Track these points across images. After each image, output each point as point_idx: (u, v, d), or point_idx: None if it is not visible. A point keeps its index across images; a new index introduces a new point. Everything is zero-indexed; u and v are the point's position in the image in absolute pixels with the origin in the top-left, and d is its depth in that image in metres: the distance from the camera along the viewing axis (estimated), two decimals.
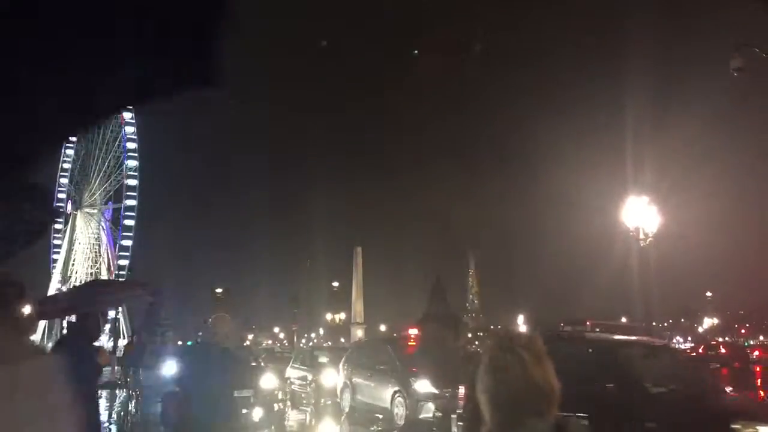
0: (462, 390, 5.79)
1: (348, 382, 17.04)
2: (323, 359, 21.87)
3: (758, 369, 42.13)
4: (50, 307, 7.00)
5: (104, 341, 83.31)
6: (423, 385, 12.59)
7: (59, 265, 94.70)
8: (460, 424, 6.32)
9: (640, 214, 20.35)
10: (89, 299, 7.09)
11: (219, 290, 65.14)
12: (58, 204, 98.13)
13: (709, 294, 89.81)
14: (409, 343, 16.88)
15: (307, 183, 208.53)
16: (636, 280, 22.41)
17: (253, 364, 20.68)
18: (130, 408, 17.88)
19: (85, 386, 5.46)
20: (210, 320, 6.17)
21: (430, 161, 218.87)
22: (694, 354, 59.15)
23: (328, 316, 75.94)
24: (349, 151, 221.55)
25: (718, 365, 43.87)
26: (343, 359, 18.13)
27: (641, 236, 20.18)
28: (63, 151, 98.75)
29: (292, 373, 21.86)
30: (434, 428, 9.60)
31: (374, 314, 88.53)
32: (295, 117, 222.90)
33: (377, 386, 15.83)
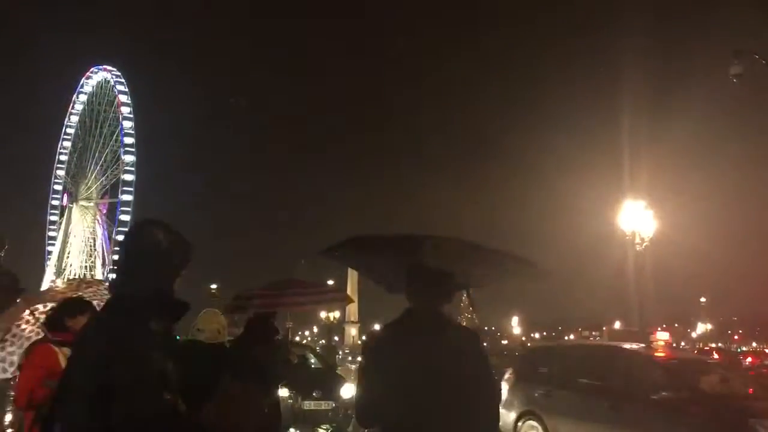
0: None
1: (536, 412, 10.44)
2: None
3: (751, 375, 42.23)
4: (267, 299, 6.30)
5: None
6: None
7: (54, 258, 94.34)
8: None
9: (637, 219, 20.38)
10: (288, 298, 6.50)
11: (213, 287, 65.02)
12: (53, 196, 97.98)
13: (702, 299, 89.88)
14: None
15: (303, 180, 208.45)
16: (632, 284, 22.47)
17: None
18: None
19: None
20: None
21: (427, 158, 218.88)
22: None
23: (323, 314, 75.83)
24: (347, 148, 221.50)
25: None
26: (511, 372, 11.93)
27: (637, 240, 20.21)
28: (60, 142, 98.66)
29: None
30: None
31: (368, 312, 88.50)
32: (287, 114, 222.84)
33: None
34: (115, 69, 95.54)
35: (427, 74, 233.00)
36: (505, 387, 11.36)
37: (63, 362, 4.06)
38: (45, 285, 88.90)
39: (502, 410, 8.70)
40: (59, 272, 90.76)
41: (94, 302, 4.64)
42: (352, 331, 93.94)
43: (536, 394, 10.66)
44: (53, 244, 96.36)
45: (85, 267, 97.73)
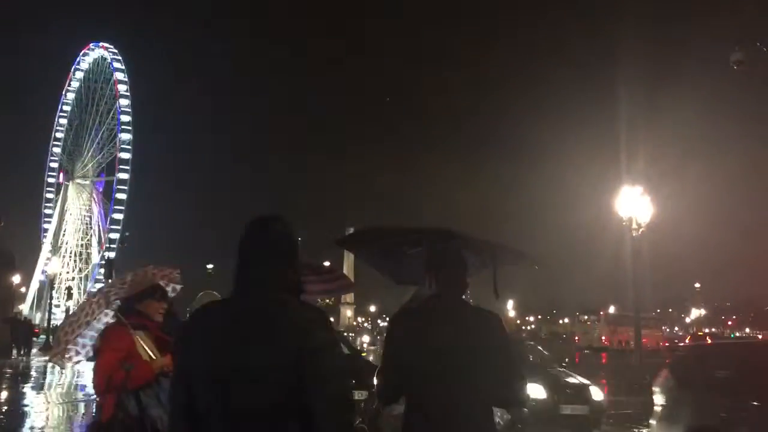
0: None
1: None
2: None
3: None
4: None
5: None
6: None
7: (50, 235, 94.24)
8: None
9: (634, 205, 20.42)
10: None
11: (210, 266, 65.09)
12: (49, 173, 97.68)
13: (697, 285, 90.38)
14: None
15: (301, 162, 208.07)
16: (627, 269, 22.52)
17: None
18: None
19: None
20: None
21: (425, 143, 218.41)
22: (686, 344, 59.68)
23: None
24: (344, 129, 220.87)
25: None
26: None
27: (634, 226, 20.26)
28: (56, 120, 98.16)
29: None
30: None
31: (364, 294, 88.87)
32: (287, 95, 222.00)
33: None
34: (112, 46, 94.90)
35: (424, 59, 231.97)
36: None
37: (137, 346, 4.12)
38: (41, 262, 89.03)
39: None
40: (55, 249, 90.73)
41: (168, 289, 4.65)
42: (348, 312, 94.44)
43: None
44: (49, 222, 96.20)
45: (81, 245, 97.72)
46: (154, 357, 4.18)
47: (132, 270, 4.57)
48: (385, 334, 3.47)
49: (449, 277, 3.25)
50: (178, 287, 4.86)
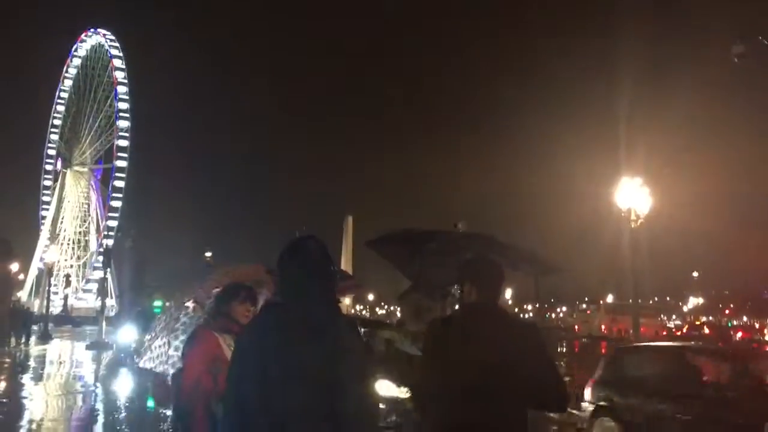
0: None
1: None
2: None
3: None
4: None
5: (92, 301, 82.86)
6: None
7: (47, 223, 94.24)
8: None
9: (633, 196, 20.37)
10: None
11: (208, 255, 65.07)
12: (47, 161, 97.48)
13: (695, 273, 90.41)
14: None
15: (299, 151, 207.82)
16: (626, 259, 22.49)
17: None
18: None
19: None
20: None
21: (421, 135, 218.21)
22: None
23: None
24: (344, 119, 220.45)
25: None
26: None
27: (633, 217, 20.21)
28: (54, 107, 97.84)
29: None
30: None
31: (361, 282, 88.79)
32: (287, 88, 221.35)
33: None
34: (109, 33, 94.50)
35: (421, 52, 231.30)
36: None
37: (225, 349, 4.07)
38: (39, 249, 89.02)
39: None
40: (53, 237, 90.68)
41: (261, 294, 4.57)
42: (347, 301, 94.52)
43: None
44: (47, 209, 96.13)
45: (79, 232, 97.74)
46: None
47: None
48: (423, 343, 3.51)
49: (490, 285, 3.31)
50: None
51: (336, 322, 2.62)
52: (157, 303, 40.10)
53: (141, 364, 4.62)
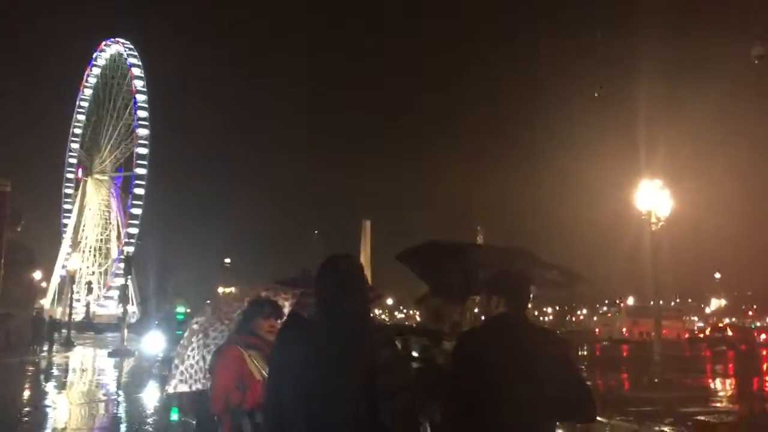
0: None
1: None
2: None
3: (766, 353, 42.04)
4: None
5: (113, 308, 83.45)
6: None
7: (69, 231, 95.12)
8: None
9: (653, 198, 20.22)
10: None
11: (227, 261, 65.43)
12: (68, 169, 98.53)
13: (717, 275, 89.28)
14: None
15: (317, 157, 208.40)
16: (647, 261, 22.28)
17: None
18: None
19: None
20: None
21: (441, 141, 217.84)
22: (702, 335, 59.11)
23: None
24: (361, 125, 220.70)
25: (724, 348, 43.88)
26: None
27: (653, 220, 20.06)
28: (74, 116, 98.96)
29: None
30: None
31: (382, 287, 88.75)
32: (307, 93, 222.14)
33: None
34: (128, 42, 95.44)
35: (441, 53, 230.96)
36: None
37: (250, 365, 4.12)
38: (61, 257, 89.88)
39: None
40: (75, 244, 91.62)
41: (285, 307, 4.56)
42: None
43: None
44: (69, 217, 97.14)
45: (101, 240, 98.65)
46: (266, 376, 4.14)
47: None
48: (453, 354, 3.58)
49: (518, 298, 3.36)
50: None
51: (369, 336, 2.69)
52: (180, 309, 40.30)
53: (171, 390, 4.61)
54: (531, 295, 3.49)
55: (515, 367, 3.06)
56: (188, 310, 38.98)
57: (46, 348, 33.24)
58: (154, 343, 23.90)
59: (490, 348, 3.17)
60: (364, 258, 65.21)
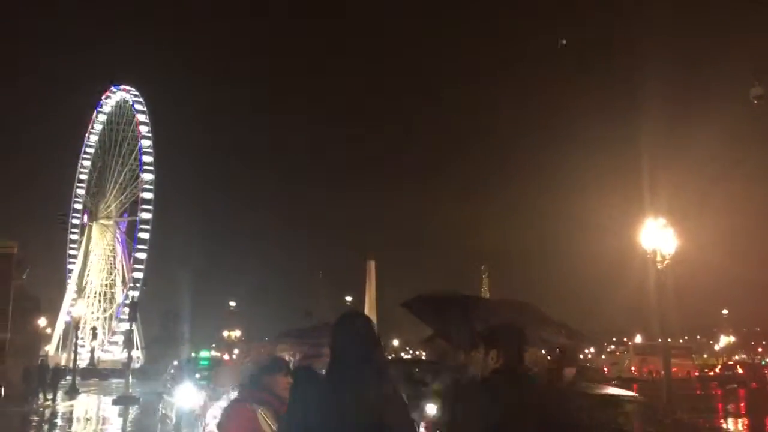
0: None
1: None
2: None
3: None
4: None
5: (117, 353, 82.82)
6: None
7: (74, 276, 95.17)
8: None
9: (657, 237, 20.22)
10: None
11: (233, 304, 65.21)
12: (74, 215, 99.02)
13: (725, 311, 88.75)
14: None
15: (321, 198, 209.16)
16: (653, 299, 22.18)
17: None
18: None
19: None
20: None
21: (446, 178, 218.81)
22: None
23: None
24: (363, 164, 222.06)
25: (735, 386, 43.38)
26: None
27: (658, 258, 20.03)
28: (80, 162, 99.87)
29: None
30: None
31: (387, 328, 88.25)
32: (311, 131, 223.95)
33: None
34: (133, 89, 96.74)
35: (443, 88, 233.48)
36: None
37: (261, 422, 4.05)
38: (66, 302, 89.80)
39: None
40: (80, 290, 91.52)
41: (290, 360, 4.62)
42: None
43: None
44: (74, 263, 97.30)
45: (106, 285, 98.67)
46: None
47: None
48: (452, 405, 3.76)
49: (513, 351, 3.49)
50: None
51: (382, 390, 2.88)
52: (204, 354, 39.48)
53: None
54: (527, 347, 3.63)
55: (513, 421, 3.18)
56: (213, 354, 38.26)
57: (50, 396, 32.96)
58: (190, 395, 22.90)
59: (489, 404, 3.27)
60: (369, 298, 65.14)
